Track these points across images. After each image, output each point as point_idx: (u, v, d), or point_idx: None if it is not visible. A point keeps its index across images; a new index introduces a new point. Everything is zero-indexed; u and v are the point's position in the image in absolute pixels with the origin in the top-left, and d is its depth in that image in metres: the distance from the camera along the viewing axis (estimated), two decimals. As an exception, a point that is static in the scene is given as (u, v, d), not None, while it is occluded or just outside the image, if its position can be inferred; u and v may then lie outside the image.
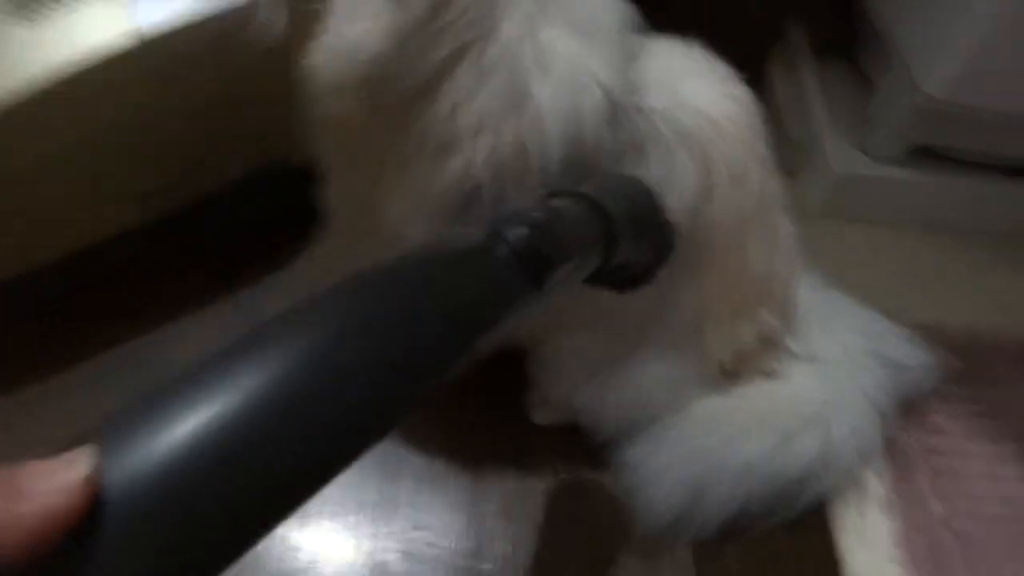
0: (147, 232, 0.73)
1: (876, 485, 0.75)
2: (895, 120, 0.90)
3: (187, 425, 0.25)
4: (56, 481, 0.22)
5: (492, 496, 0.72)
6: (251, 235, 0.80)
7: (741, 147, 0.58)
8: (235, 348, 0.28)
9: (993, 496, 0.76)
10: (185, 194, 0.73)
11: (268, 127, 0.73)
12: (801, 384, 0.71)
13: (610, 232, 0.45)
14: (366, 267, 0.34)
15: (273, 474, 0.26)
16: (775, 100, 1.00)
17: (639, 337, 0.65)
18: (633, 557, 0.69)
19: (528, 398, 0.75)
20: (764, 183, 0.61)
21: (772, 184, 0.62)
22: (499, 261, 0.38)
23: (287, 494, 0.27)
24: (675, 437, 0.67)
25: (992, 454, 0.79)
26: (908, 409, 0.79)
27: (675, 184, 0.56)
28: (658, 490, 0.65)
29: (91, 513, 0.23)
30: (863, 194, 0.95)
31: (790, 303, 0.70)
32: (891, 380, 0.73)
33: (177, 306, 0.76)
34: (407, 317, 0.33)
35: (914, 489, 0.75)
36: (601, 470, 0.71)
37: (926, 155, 0.93)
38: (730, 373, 0.69)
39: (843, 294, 0.80)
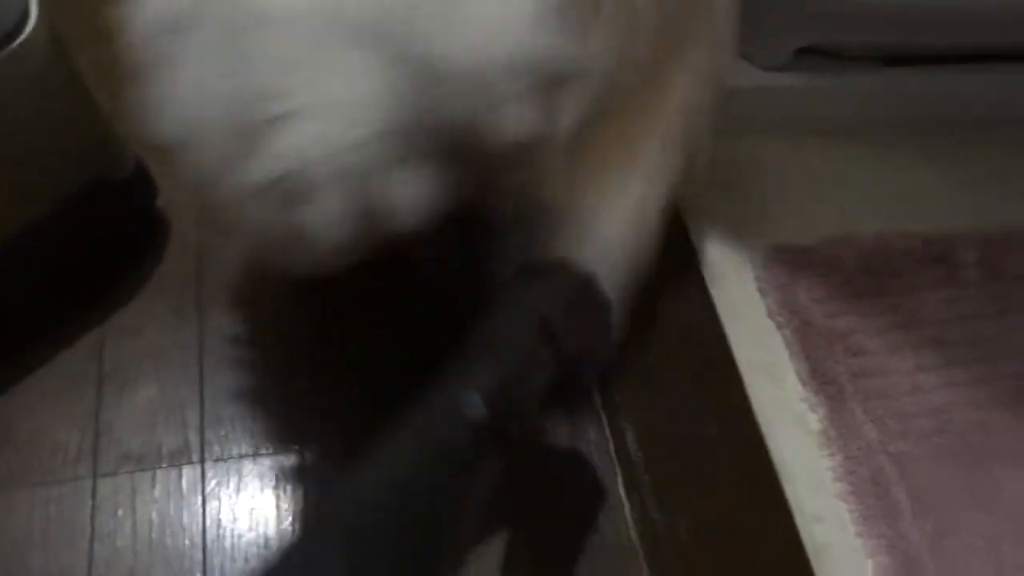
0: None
1: (813, 421, 0.73)
2: (774, 22, 0.84)
3: None
4: None
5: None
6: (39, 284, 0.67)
7: None
8: None
9: (921, 411, 0.75)
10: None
11: (61, 149, 0.60)
12: None
13: (559, 357, 0.48)
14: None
15: None
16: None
17: None
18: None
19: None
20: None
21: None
22: (463, 450, 0.40)
23: None
24: None
25: (914, 366, 0.77)
26: (831, 334, 0.77)
27: None
28: None
29: None
30: (754, 105, 0.89)
31: None
32: None
33: None
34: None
35: (848, 418, 0.73)
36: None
37: (814, 55, 0.87)
38: None
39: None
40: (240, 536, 0.58)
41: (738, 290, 0.80)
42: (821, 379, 0.75)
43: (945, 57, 0.92)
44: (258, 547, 0.59)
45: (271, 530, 0.60)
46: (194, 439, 0.63)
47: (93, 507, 0.62)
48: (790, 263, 0.81)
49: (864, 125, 0.93)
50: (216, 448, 0.63)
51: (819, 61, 0.88)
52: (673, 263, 0.80)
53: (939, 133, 0.94)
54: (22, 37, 0.51)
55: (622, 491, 0.71)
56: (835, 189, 0.89)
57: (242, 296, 0.70)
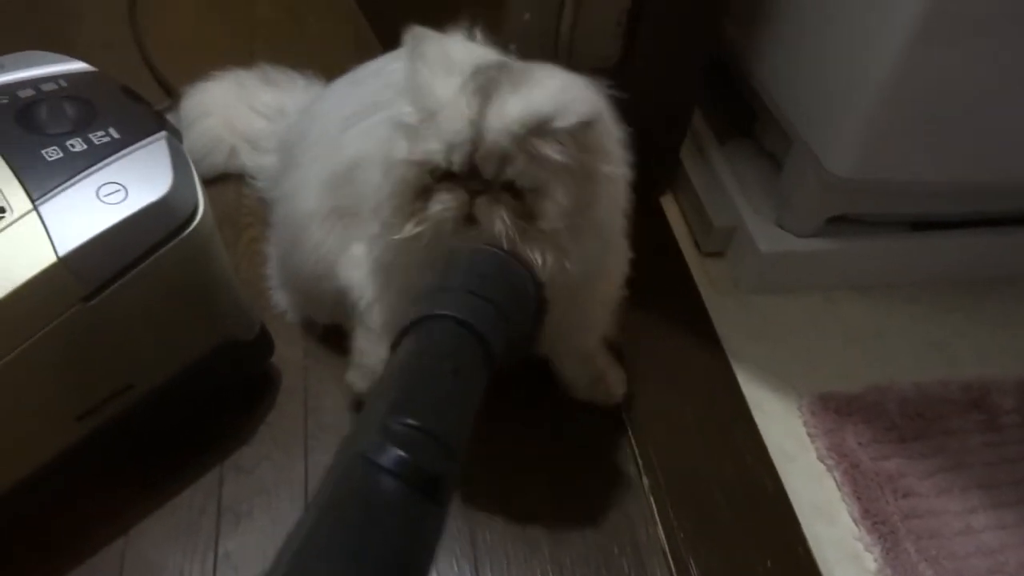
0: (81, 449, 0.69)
1: (869, 560, 0.76)
2: (805, 197, 0.93)
3: None
4: None
5: None
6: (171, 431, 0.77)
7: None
8: None
9: (972, 550, 0.77)
10: (126, 401, 0.69)
11: (206, 315, 0.72)
12: None
13: (487, 353, 0.46)
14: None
15: None
16: (693, 189, 1.03)
17: None
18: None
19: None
20: None
21: None
22: (392, 502, 0.37)
23: None
24: None
25: (963, 508, 0.79)
26: (880, 476, 0.81)
27: None
28: None
29: None
30: (791, 267, 0.97)
31: None
32: None
33: (118, 523, 0.72)
34: None
35: (903, 558, 0.76)
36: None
37: (844, 222, 0.96)
38: None
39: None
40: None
41: (788, 435, 0.84)
42: (873, 519, 0.78)
43: (966, 220, 0.99)
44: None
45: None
46: (299, 568, 0.70)
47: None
48: (836, 409, 0.86)
49: (893, 281, 1.00)
50: None
51: (849, 227, 0.96)
52: (725, 412, 0.85)
53: (964, 288, 1.01)
54: (195, 223, 0.64)
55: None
56: (872, 340, 0.95)
57: (341, 436, 0.79)
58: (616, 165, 0.63)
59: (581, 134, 0.58)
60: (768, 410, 0.86)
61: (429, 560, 0.37)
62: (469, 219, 0.59)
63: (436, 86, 0.58)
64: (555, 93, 0.58)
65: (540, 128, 0.56)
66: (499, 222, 0.58)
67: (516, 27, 0.88)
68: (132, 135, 0.66)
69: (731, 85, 1.08)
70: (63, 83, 0.70)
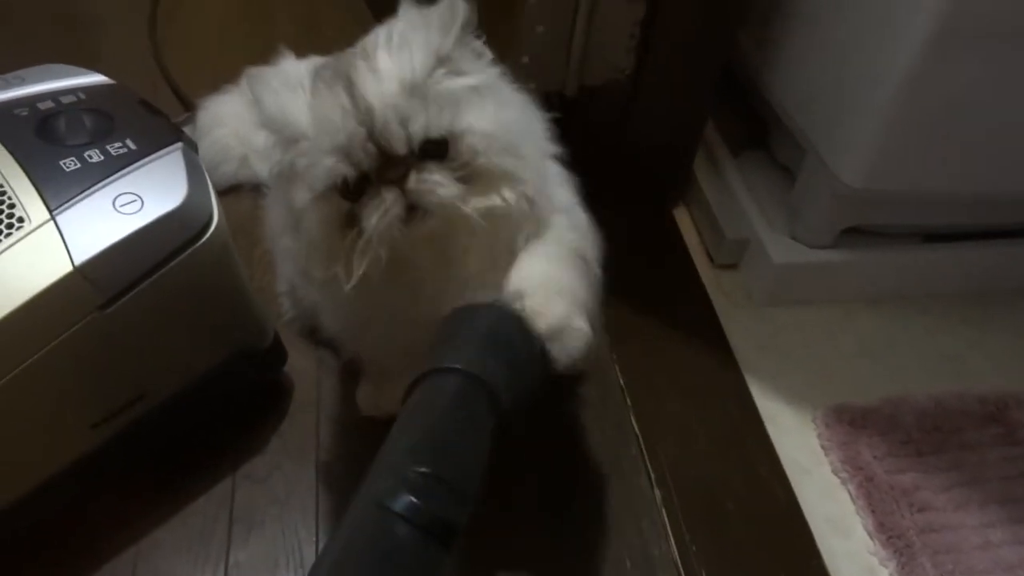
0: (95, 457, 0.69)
1: (884, 575, 0.75)
2: (819, 208, 0.93)
3: None
4: None
5: None
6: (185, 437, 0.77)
7: None
8: None
9: (990, 565, 0.75)
10: (140, 409, 0.70)
11: (220, 324, 0.72)
12: None
13: (495, 404, 0.47)
14: None
15: None
16: (706, 201, 1.03)
17: None
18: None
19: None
20: None
21: None
22: (405, 547, 0.39)
23: None
24: None
25: (980, 522, 0.78)
26: (895, 489, 0.80)
27: None
28: None
29: None
30: (804, 279, 0.97)
31: None
32: None
33: (131, 532, 0.72)
34: None
35: (919, 572, 0.74)
36: None
37: (858, 233, 0.95)
38: None
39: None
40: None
41: (802, 447, 0.84)
42: (889, 533, 0.77)
43: (981, 232, 0.98)
44: None
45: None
46: (309, 578, 0.70)
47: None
48: (851, 422, 0.85)
49: (907, 293, 0.99)
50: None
51: (862, 239, 0.95)
52: (738, 424, 0.85)
53: (978, 300, 1.00)
54: (209, 233, 0.64)
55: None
56: (885, 352, 0.94)
57: (353, 447, 0.79)
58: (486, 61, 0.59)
59: (461, 43, 0.55)
60: (782, 422, 0.86)
61: None
62: (410, 212, 0.54)
63: (288, 107, 0.54)
64: (409, 29, 0.54)
65: (426, 64, 0.53)
66: (441, 188, 0.54)
67: (529, 39, 0.88)
68: (148, 146, 0.66)
69: (744, 96, 1.08)
70: (82, 95, 0.71)
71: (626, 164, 0.87)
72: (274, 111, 0.55)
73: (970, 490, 0.81)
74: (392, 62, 0.53)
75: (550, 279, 0.58)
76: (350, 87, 0.53)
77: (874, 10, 0.79)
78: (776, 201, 0.99)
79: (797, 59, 0.94)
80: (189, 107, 1.09)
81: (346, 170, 0.53)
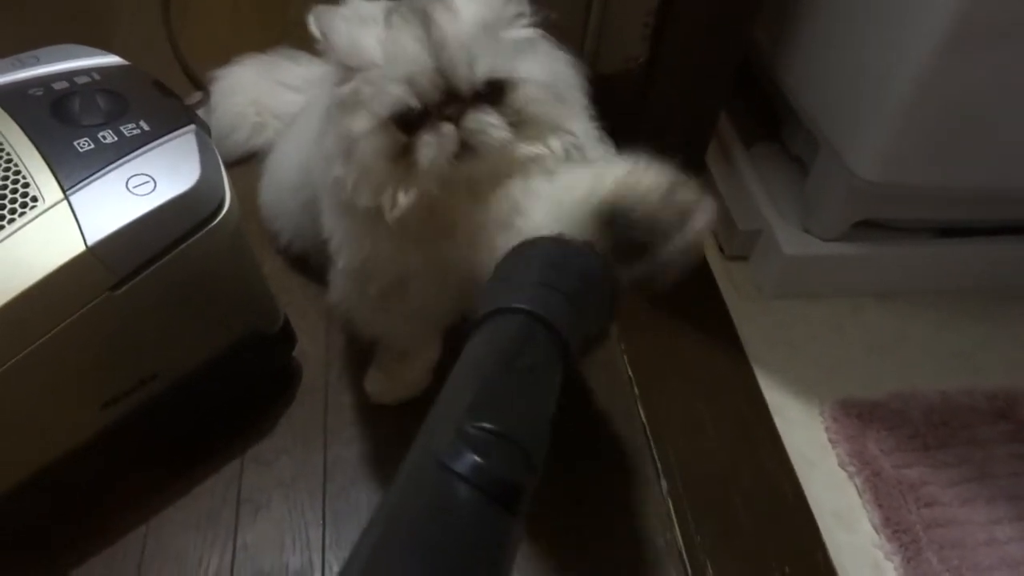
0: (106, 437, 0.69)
1: (890, 569, 0.75)
2: (832, 201, 0.92)
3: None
4: None
5: None
6: (200, 419, 0.77)
7: None
8: None
9: (996, 562, 0.75)
10: (149, 391, 0.70)
11: (230, 307, 0.72)
12: None
13: (563, 349, 0.43)
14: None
15: None
16: (718, 193, 1.02)
17: None
18: None
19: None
20: None
21: None
22: (467, 512, 0.34)
23: None
24: None
25: (987, 519, 0.78)
26: (902, 484, 0.80)
27: None
28: None
29: None
30: (815, 271, 0.96)
31: None
32: None
33: (140, 511, 0.73)
34: None
35: (924, 567, 0.74)
36: None
37: (870, 227, 0.94)
38: None
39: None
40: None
41: (809, 441, 0.83)
42: (895, 527, 0.76)
43: (994, 228, 0.97)
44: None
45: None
46: (316, 559, 0.70)
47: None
48: (858, 416, 0.85)
49: (918, 288, 0.98)
50: (335, 567, 0.69)
51: (875, 232, 0.95)
52: (746, 416, 0.84)
53: (990, 296, 0.99)
54: (221, 215, 0.64)
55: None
56: (895, 346, 0.93)
57: (360, 432, 0.79)
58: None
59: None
60: (789, 415, 0.85)
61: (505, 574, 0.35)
62: (461, 149, 0.56)
63: (360, 38, 0.56)
64: None
65: (499, 11, 0.56)
66: (495, 130, 0.56)
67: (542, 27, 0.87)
68: (162, 128, 0.66)
69: (757, 88, 1.07)
70: (96, 76, 0.70)
71: (639, 152, 0.85)
72: (344, 41, 0.56)
73: (977, 486, 0.80)
74: (470, 3, 0.56)
75: (631, 162, 0.58)
76: (427, 22, 0.55)
77: (892, 4, 0.78)
78: (788, 193, 0.98)
79: (813, 52, 0.93)
80: (201, 89, 1.08)
81: (411, 100, 0.55)
